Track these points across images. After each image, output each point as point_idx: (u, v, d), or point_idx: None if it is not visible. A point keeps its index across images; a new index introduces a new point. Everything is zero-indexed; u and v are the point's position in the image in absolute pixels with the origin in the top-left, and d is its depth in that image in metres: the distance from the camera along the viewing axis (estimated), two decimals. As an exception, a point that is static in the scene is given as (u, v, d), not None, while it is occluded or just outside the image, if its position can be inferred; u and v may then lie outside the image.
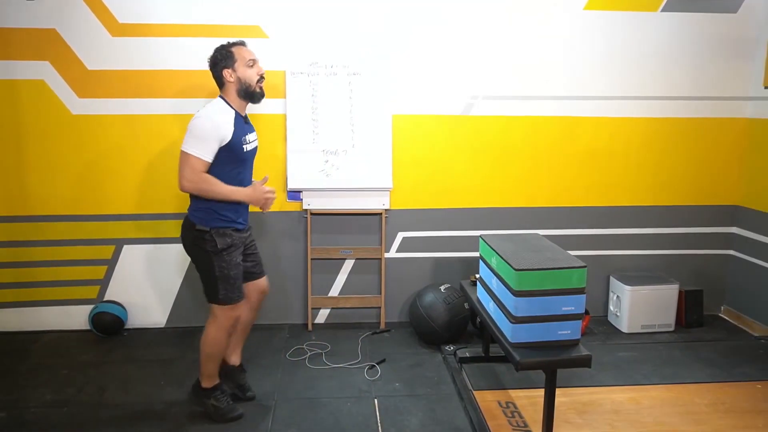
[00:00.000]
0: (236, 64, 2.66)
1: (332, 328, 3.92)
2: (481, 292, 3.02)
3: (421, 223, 3.94)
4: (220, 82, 2.70)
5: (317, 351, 3.57)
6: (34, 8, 3.47)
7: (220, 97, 2.71)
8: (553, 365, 2.47)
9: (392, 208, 3.89)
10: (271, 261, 3.83)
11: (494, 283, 2.75)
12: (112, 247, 3.79)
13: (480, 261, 3.02)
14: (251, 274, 2.92)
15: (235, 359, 3.03)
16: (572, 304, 2.49)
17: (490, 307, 2.83)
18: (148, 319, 3.90)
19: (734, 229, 4.11)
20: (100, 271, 3.82)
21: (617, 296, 3.94)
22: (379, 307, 3.97)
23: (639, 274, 4.03)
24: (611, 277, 4.03)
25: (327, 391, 3.13)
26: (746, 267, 4.00)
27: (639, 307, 3.84)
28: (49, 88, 3.56)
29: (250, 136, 2.75)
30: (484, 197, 3.94)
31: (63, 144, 3.63)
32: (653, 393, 3.12)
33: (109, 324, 3.74)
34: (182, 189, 2.60)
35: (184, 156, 2.56)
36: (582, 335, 2.76)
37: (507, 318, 2.54)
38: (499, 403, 3.00)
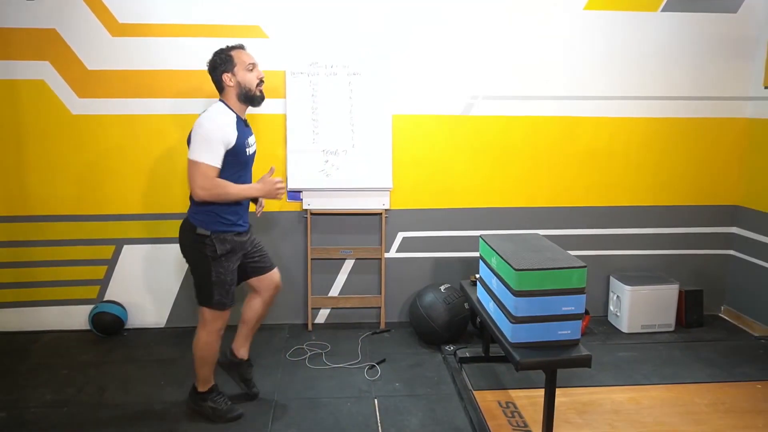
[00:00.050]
0: (236, 68, 2.65)
1: (332, 328, 3.92)
2: (481, 292, 3.02)
3: (421, 223, 3.94)
4: (220, 86, 2.68)
5: (317, 351, 3.57)
6: (34, 8, 3.47)
7: (220, 100, 2.69)
8: (553, 365, 2.47)
9: (392, 208, 3.89)
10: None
11: (494, 283, 2.75)
12: (112, 247, 3.79)
13: (480, 261, 3.02)
14: (260, 269, 2.91)
15: (243, 353, 3.01)
16: (572, 304, 2.48)
17: (490, 307, 2.83)
18: (148, 319, 3.90)
19: (734, 229, 4.11)
20: (100, 271, 3.82)
21: (617, 296, 3.94)
22: (379, 307, 3.97)
23: (639, 274, 4.03)
24: (611, 277, 4.03)
25: (327, 391, 3.13)
26: (746, 267, 4.00)
27: (639, 307, 3.84)
28: (49, 88, 3.57)
29: (250, 140, 2.75)
30: (484, 197, 3.94)
31: (63, 144, 3.63)
32: (653, 393, 3.12)
33: (109, 324, 3.74)
34: (197, 198, 2.57)
35: (194, 165, 2.53)
36: (582, 335, 2.76)
37: (507, 318, 2.54)
38: (499, 403, 3.00)
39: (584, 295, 2.50)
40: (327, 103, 3.70)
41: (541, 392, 2.54)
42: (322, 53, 3.67)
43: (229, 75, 2.65)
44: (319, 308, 3.99)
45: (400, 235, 3.94)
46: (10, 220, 3.70)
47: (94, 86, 3.59)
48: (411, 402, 3.03)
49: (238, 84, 2.65)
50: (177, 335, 3.79)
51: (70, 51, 3.54)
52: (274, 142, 3.72)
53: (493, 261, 2.76)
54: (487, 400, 3.02)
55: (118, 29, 3.54)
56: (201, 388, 2.85)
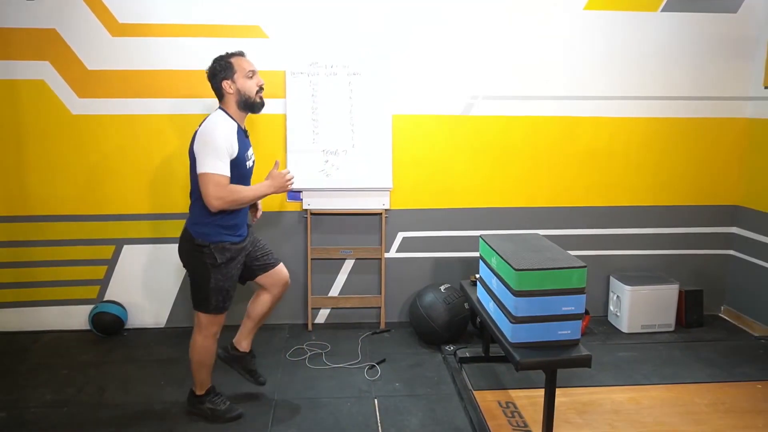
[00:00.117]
0: (235, 76, 2.63)
1: (332, 328, 3.92)
2: (481, 292, 3.02)
3: (421, 223, 3.94)
4: (220, 93, 2.66)
5: (317, 351, 3.57)
6: (34, 8, 3.47)
7: (220, 108, 2.68)
8: (553, 365, 2.47)
9: (392, 208, 3.89)
10: (271, 261, 3.84)
11: (494, 283, 2.75)
12: (112, 247, 3.79)
13: (480, 261, 3.02)
14: (266, 266, 2.90)
15: (245, 346, 3.00)
16: (572, 304, 2.48)
17: (490, 307, 2.83)
18: (148, 319, 3.90)
19: (734, 229, 4.11)
20: (100, 271, 3.82)
21: (617, 296, 3.94)
22: (379, 307, 3.97)
23: (639, 274, 4.03)
24: (611, 277, 4.03)
25: (327, 391, 3.13)
26: (746, 267, 4.00)
27: (639, 307, 3.84)
28: (49, 88, 3.57)
29: (249, 152, 2.73)
30: (484, 197, 3.94)
31: (63, 144, 3.63)
32: (653, 393, 3.12)
33: (109, 324, 3.74)
34: (213, 209, 2.54)
35: (206, 177, 2.50)
36: (582, 335, 2.76)
37: (507, 318, 2.54)
38: (499, 403, 3.00)
39: (584, 295, 2.50)
40: (327, 103, 3.70)
41: (541, 392, 2.54)
42: (322, 53, 3.67)
43: (229, 82, 2.63)
44: (319, 308, 3.99)
45: (400, 235, 3.94)
46: (10, 220, 3.70)
47: (94, 86, 3.59)
48: (411, 402, 3.03)
49: (238, 91, 2.64)
50: (177, 335, 3.78)
51: (70, 51, 3.54)
52: (274, 142, 3.72)
53: (493, 261, 2.76)
54: (487, 400, 3.02)
55: (118, 29, 3.54)
56: (198, 392, 2.85)
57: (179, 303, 3.89)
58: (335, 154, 3.74)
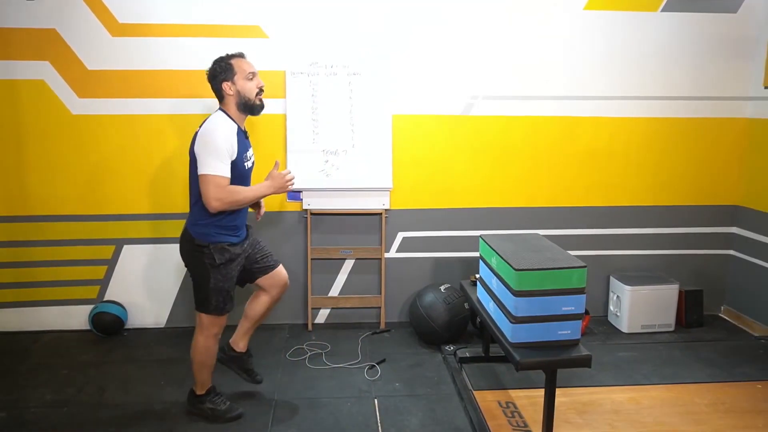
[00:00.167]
0: (236, 77, 2.63)
1: (332, 328, 3.92)
2: (481, 292, 3.02)
3: (421, 223, 3.94)
4: (220, 95, 2.67)
5: (317, 351, 3.57)
6: (34, 8, 3.47)
7: (220, 109, 2.68)
8: (553, 365, 2.47)
9: (392, 208, 3.89)
10: (271, 261, 3.84)
11: (494, 283, 2.75)
12: (112, 247, 3.79)
13: (480, 261, 3.02)
14: (266, 268, 2.90)
15: (242, 346, 3.01)
16: (572, 304, 2.48)
17: (490, 307, 2.83)
18: (148, 319, 3.90)
19: (734, 229, 4.11)
20: (100, 271, 3.82)
21: (617, 296, 3.94)
22: (379, 307, 3.97)
23: (639, 274, 4.03)
24: (611, 277, 4.03)
25: (327, 391, 3.13)
26: (746, 267, 4.00)
27: (639, 307, 3.84)
28: (49, 88, 3.57)
29: (249, 152, 2.74)
30: (484, 197, 3.94)
31: (63, 144, 3.63)
32: (653, 393, 3.12)
33: (109, 324, 3.74)
34: (213, 210, 2.55)
35: (207, 178, 2.51)
36: (582, 335, 2.76)
37: (507, 318, 2.54)
38: (499, 403, 3.00)
39: (584, 295, 2.50)
40: (327, 103, 3.70)
41: (541, 392, 2.54)
42: (322, 53, 3.67)
43: (229, 84, 2.63)
44: (319, 308, 3.99)
45: (400, 235, 3.94)
46: (10, 220, 3.70)
47: (94, 86, 3.59)
48: (411, 402, 3.03)
49: (238, 93, 2.64)
50: (177, 335, 3.78)
51: (70, 51, 3.54)
52: (274, 142, 3.72)
53: (493, 261, 2.76)
54: (487, 400, 3.02)
55: (118, 29, 3.54)
56: (199, 392, 2.85)
57: (179, 303, 3.89)
58: (335, 154, 3.74)
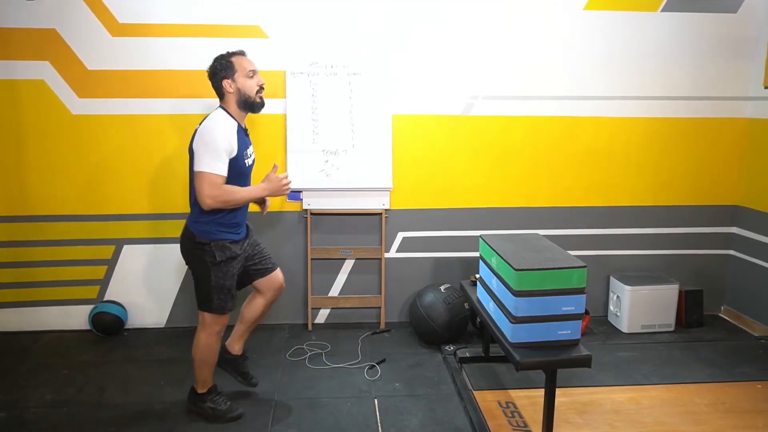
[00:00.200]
0: (236, 75, 2.63)
1: (332, 328, 3.92)
2: (481, 292, 3.02)
3: (421, 223, 3.94)
4: (220, 92, 2.67)
5: (317, 351, 3.57)
6: (34, 8, 3.47)
7: (221, 107, 2.68)
8: (553, 365, 2.47)
9: (392, 208, 3.89)
10: (271, 261, 3.84)
11: (494, 283, 2.75)
12: (112, 247, 3.79)
13: (480, 261, 3.02)
14: (263, 270, 2.91)
15: (237, 349, 3.01)
16: (572, 304, 2.48)
17: (490, 307, 2.83)
18: (148, 319, 3.90)
19: (734, 229, 4.11)
20: (100, 271, 3.82)
21: (617, 296, 3.94)
22: (379, 307, 3.97)
23: (639, 274, 4.03)
24: (611, 277, 4.03)
25: (327, 391, 3.13)
26: (746, 267, 4.00)
27: (639, 307, 3.84)
28: (49, 88, 3.57)
29: (249, 150, 2.74)
30: (484, 197, 3.94)
31: (63, 144, 3.63)
32: (653, 393, 3.12)
33: (109, 324, 3.74)
34: (206, 207, 2.56)
35: (201, 175, 2.52)
36: (582, 335, 2.75)
37: (507, 318, 2.54)
38: (499, 403, 3.00)
39: (584, 295, 2.50)
40: (327, 103, 3.70)
41: (541, 392, 2.54)
42: (322, 53, 3.67)
43: (229, 81, 2.63)
44: (319, 308, 3.99)
45: (400, 235, 3.94)
46: (10, 220, 3.70)
47: (94, 86, 3.59)
48: (411, 402, 3.03)
49: (238, 90, 2.64)
50: (177, 335, 3.79)
51: (70, 51, 3.54)
52: (274, 142, 3.72)
53: (493, 261, 2.76)
54: (487, 400, 3.02)
55: (118, 29, 3.54)
56: (200, 390, 2.85)
57: (179, 303, 3.89)
58: (335, 154, 3.74)
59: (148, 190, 3.74)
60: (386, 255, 3.94)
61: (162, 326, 3.91)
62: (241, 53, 2.71)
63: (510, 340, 2.52)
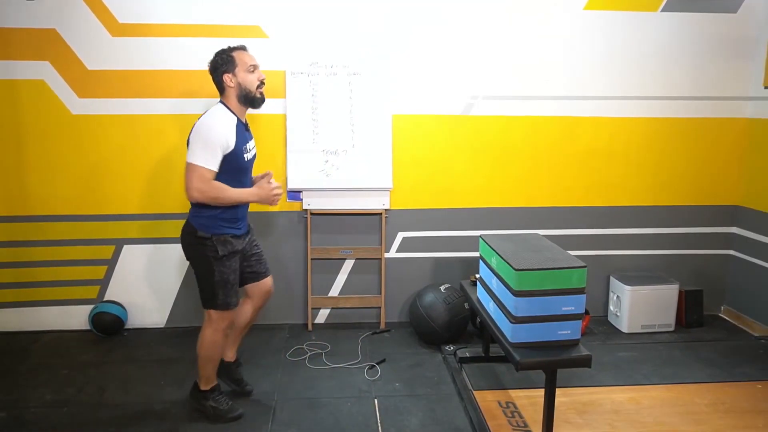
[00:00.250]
0: (237, 69, 2.64)
1: (332, 328, 3.92)
2: (481, 292, 3.02)
3: (421, 223, 3.94)
4: (221, 87, 2.68)
5: (317, 351, 3.57)
6: (34, 8, 3.47)
7: (221, 102, 2.69)
8: (553, 365, 2.47)
9: (392, 208, 3.89)
10: (271, 261, 3.80)
11: (494, 283, 2.75)
12: (112, 247, 3.79)
13: (480, 261, 3.02)
14: (256, 274, 2.92)
15: (230, 355, 3.02)
16: (572, 304, 2.48)
17: (490, 307, 2.83)
18: (148, 319, 3.90)
19: (734, 229, 4.11)
20: (100, 271, 3.82)
21: (617, 296, 3.94)
22: (379, 307, 3.97)
23: (639, 274, 4.03)
24: (611, 277, 4.03)
25: (327, 391, 3.13)
26: (746, 267, 4.00)
27: (639, 307, 3.84)
28: (49, 88, 3.56)
29: (249, 144, 2.74)
30: (484, 197, 3.94)
31: (63, 144, 3.63)
32: (653, 393, 3.12)
33: (109, 324, 3.74)
34: (192, 200, 2.58)
35: (192, 168, 2.53)
36: (582, 335, 2.76)
37: (507, 318, 2.54)
38: (499, 403, 3.00)
39: (584, 295, 2.50)
40: (327, 103, 3.70)
41: (541, 392, 2.54)
42: (322, 53, 3.67)
43: (230, 76, 2.64)
44: (319, 308, 3.99)
45: (400, 235, 3.94)
46: (10, 220, 3.70)
47: (94, 86, 3.59)
48: (411, 402, 3.03)
49: (239, 85, 2.65)
50: (177, 335, 3.79)
51: (70, 51, 3.54)
52: (274, 142, 3.72)
53: (493, 261, 2.76)
54: (487, 400, 3.02)
55: (118, 29, 3.54)
56: (203, 387, 2.85)
57: (179, 303, 3.89)
58: (335, 154, 3.74)
59: (148, 190, 3.74)
60: (386, 255, 3.94)
61: (162, 326, 3.91)
62: (242, 48, 2.72)
63: (510, 340, 2.52)
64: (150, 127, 3.65)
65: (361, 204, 3.82)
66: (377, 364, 3.42)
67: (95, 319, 3.73)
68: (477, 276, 3.15)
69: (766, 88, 3.82)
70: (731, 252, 4.13)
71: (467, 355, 3.45)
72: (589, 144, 3.92)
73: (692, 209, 4.08)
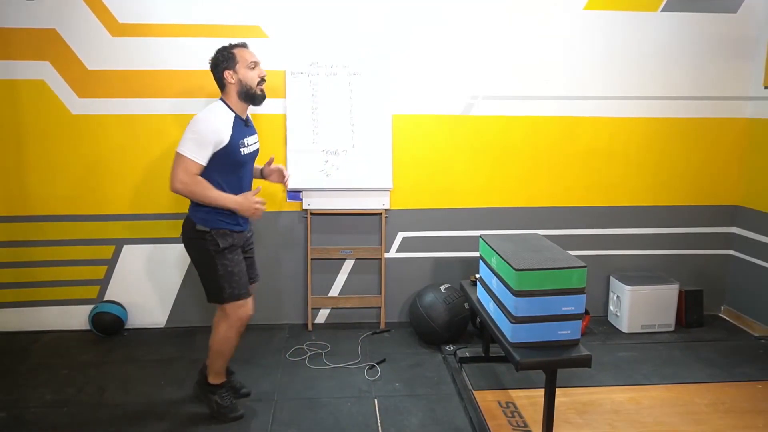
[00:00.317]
0: (237, 66, 2.65)
1: (332, 328, 3.92)
2: (481, 292, 3.02)
3: (421, 223, 3.94)
4: (221, 83, 2.69)
5: (317, 351, 3.57)
6: (34, 8, 3.47)
7: (221, 99, 2.70)
8: (553, 365, 2.47)
9: (392, 208, 3.89)
10: (271, 261, 3.84)
11: (494, 283, 2.75)
12: (112, 247, 3.79)
13: (480, 261, 3.02)
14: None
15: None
16: (572, 304, 2.48)
17: (490, 307, 2.83)
18: (148, 319, 3.90)
19: (734, 229, 4.11)
20: (100, 271, 3.82)
21: (617, 296, 3.94)
22: (379, 307, 3.97)
23: (639, 274, 4.03)
24: (611, 277, 4.03)
25: (327, 391, 3.13)
26: (746, 267, 4.00)
27: (639, 307, 3.84)
28: (49, 88, 3.56)
29: (249, 139, 2.74)
30: (484, 197, 3.94)
31: (63, 144, 3.63)
32: (653, 393, 3.12)
33: (109, 324, 3.74)
34: (173, 190, 2.58)
35: (179, 157, 2.55)
36: (582, 335, 2.76)
37: (507, 318, 2.54)
38: (499, 403, 3.00)
39: (584, 295, 2.50)
40: (327, 103, 3.70)
41: (541, 392, 2.54)
42: (322, 53, 3.66)
43: (231, 72, 2.65)
44: (319, 308, 3.99)
45: (400, 235, 3.94)
46: (10, 220, 3.70)
47: (94, 86, 3.59)
48: (411, 402, 3.03)
49: (239, 81, 2.66)
50: (177, 335, 3.79)
51: (70, 51, 3.53)
52: (274, 142, 3.72)
53: (493, 261, 2.76)
54: (487, 400, 3.02)
55: (118, 29, 3.54)
56: (213, 380, 2.85)
57: (179, 303, 3.89)
58: (335, 154, 3.74)
59: (148, 190, 3.73)
60: (386, 255, 3.94)
61: (162, 326, 3.91)
62: (243, 45, 2.73)
63: (510, 340, 2.52)
64: (150, 127, 3.65)
65: (361, 204, 3.82)
66: (377, 364, 3.42)
67: (95, 319, 3.73)
68: (477, 276, 3.15)
69: (766, 88, 3.82)
70: (731, 252, 4.13)
71: (467, 355, 3.45)
72: (589, 144, 3.92)
73: (692, 209, 4.08)
